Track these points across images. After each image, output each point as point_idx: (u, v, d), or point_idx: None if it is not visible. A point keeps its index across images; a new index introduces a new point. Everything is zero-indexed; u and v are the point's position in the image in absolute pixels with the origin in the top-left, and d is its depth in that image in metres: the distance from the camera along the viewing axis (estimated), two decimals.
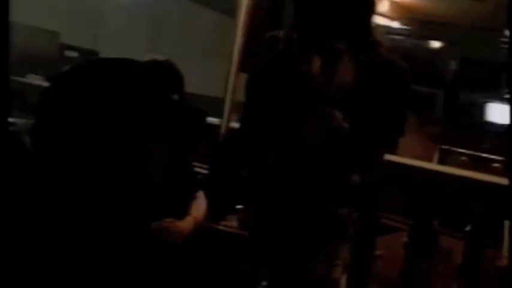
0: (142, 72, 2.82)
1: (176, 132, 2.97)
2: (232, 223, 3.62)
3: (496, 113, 8.37)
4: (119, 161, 2.52)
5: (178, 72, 3.31)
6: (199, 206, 3.10)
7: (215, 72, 5.06)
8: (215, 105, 4.40)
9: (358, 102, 2.50)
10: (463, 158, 6.06)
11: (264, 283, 2.64)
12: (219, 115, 4.36)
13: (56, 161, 2.45)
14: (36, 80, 6.28)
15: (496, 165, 5.31)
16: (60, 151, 2.49)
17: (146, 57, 3.36)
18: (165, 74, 3.25)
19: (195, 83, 3.74)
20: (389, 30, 7.66)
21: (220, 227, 3.59)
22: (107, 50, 6.59)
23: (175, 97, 3.22)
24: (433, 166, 4.61)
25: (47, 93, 2.57)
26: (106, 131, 2.51)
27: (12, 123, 4.39)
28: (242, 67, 4.28)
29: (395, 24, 8.04)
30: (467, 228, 3.23)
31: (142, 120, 2.63)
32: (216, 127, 4.33)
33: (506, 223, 3.18)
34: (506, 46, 6.49)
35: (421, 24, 8.42)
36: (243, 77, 3.95)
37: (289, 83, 2.55)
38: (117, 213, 2.50)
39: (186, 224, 2.94)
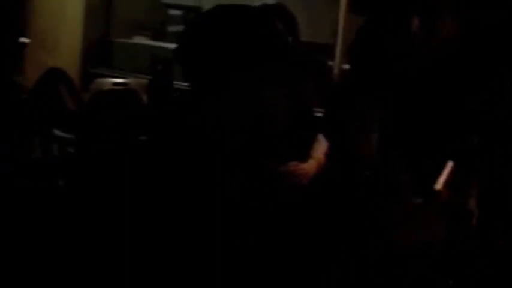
0: (258, 16, 2.80)
1: (294, 75, 2.95)
2: None
3: None
4: (242, 103, 2.52)
5: (291, 15, 3.28)
6: (321, 148, 3.09)
7: (323, 16, 4.98)
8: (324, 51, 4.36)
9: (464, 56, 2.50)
10: None
11: None
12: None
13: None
14: (143, 41, 6.37)
15: None
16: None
17: (256, 2, 3.34)
18: (278, 17, 3.22)
19: (303, 29, 3.69)
20: None
21: None
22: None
23: (290, 40, 3.20)
24: None
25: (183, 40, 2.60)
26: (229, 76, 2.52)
27: (125, 83, 4.48)
28: (352, 8, 4.20)
29: None
30: None
31: (261, 65, 2.62)
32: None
33: None
34: None
35: None
36: (352, 18, 3.88)
37: (391, 43, 2.54)
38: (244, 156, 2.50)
39: (309, 166, 2.94)
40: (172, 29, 6.41)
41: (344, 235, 2.96)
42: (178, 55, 2.57)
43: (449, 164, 2.68)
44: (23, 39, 4.78)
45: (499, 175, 2.81)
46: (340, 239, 2.92)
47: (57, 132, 3.94)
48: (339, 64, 4.30)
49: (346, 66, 4.18)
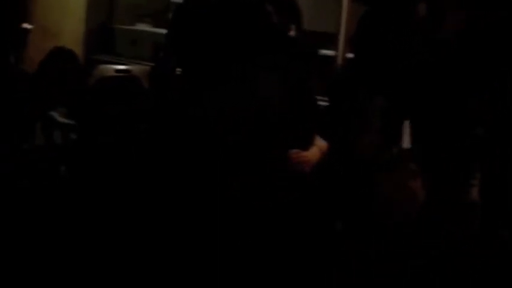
0: (250, 3, 2.80)
1: (296, 66, 2.95)
2: None
3: None
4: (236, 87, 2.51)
5: (293, 3, 3.27)
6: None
7: (327, 5, 4.97)
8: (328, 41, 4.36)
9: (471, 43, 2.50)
10: None
11: None
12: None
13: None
14: (145, 28, 6.37)
15: None
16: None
17: None
18: (280, 6, 3.20)
19: (307, 19, 3.68)
20: None
21: None
22: None
23: (293, 27, 3.19)
24: None
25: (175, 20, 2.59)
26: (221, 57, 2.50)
27: (128, 70, 4.47)
28: None
29: None
30: None
31: (259, 54, 2.61)
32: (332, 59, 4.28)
33: None
34: None
35: None
36: (356, 7, 3.87)
37: (398, 32, 2.55)
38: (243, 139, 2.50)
39: (312, 154, 2.93)
40: None
41: (344, 235, 2.96)
42: (169, 42, 2.55)
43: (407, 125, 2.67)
44: (26, 26, 4.76)
45: (499, 175, 2.81)
46: (340, 238, 2.92)
47: (59, 118, 3.93)
48: (342, 53, 4.29)
49: (350, 56, 4.17)
